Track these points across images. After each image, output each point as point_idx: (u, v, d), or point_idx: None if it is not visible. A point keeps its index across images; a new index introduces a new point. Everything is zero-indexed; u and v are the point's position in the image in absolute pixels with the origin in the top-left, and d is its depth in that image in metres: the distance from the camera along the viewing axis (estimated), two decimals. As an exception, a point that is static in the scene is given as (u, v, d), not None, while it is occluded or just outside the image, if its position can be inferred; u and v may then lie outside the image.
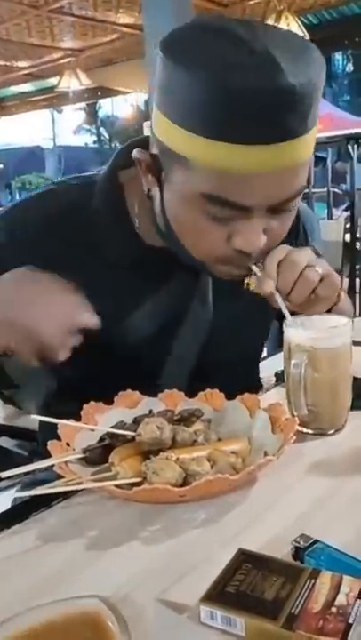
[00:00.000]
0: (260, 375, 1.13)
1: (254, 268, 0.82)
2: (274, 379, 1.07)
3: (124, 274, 0.87)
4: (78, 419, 0.79)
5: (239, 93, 0.67)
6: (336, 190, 5.91)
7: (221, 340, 0.94)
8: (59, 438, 0.75)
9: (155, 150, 0.79)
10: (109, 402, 0.83)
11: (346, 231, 4.23)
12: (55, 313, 0.74)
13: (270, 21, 4.64)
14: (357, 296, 4.39)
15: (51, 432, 0.76)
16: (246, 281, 0.95)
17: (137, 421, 0.76)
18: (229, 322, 0.95)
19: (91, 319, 0.74)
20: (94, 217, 0.88)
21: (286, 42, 0.72)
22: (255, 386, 1.05)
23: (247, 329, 0.99)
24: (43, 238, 0.86)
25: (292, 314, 0.84)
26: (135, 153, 0.81)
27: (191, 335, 0.91)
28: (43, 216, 0.89)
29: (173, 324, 0.90)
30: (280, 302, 0.82)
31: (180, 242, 0.82)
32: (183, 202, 0.77)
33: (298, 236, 1.06)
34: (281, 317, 1.11)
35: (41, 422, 1.05)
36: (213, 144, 0.70)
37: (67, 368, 0.77)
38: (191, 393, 0.86)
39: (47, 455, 0.73)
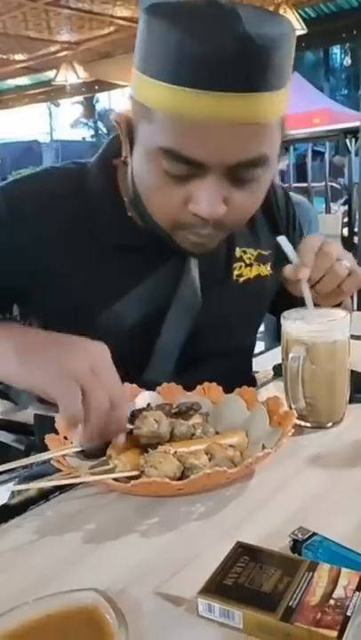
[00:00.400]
0: (258, 369, 1.13)
1: (291, 254, 0.83)
2: (271, 372, 1.07)
3: (117, 256, 0.87)
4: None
5: (195, 37, 0.68)
6: (334, 184, 5.92)
7: (210, 330, 0.94)
8: (55, 432, 0.74)
9: (130, 113, 0.80)
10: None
11: (344, 225, 4.24)
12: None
13: (268, 14, 4.62)
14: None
15: (46, 426, 0.76)
16: (237, 272, 0.95)
17: (134, 414, 0.76)
18: (219, 313, 0.95)
19: (121, 440, 0.72)
20: (88, 200, 0.89)
21: (259, 10, 0.74)
22: (246, 380, 1.04)
23: (237, 321, 0.99)
24: (41, 214, 0.87)
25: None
26: (113, 115, 0.82)
27: (179, 320, 0.90)
28: (42, 192, 0.89)
29: (162, 308, 0.90)
30: (306, 291, 0.82)
31: (147, 208, 0.82)
32: (146, 160, 0.78)
33: (287, 213, 1.06)
34: (275, 311, 1.11)
35: (36, 417, 1.05)
36: (171, 89, 0.70)
37: None
38: (178, 383, 0.87)
39: (44, 449, 0.73)
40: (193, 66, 0.69)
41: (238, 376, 0.91)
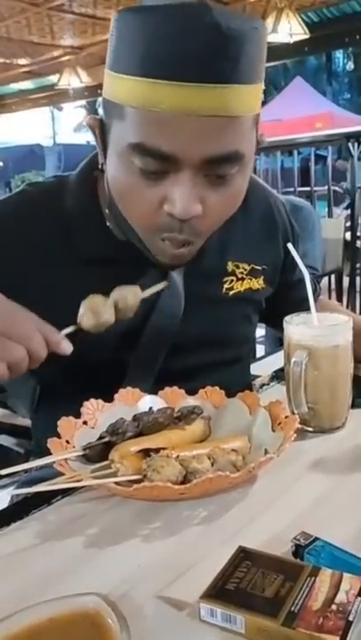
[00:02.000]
0: (259, 373, 1.13)
1: (300, 262, 0.84)
2: (270, 377, 1.06)
3: (96, 270, 0.86)
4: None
5: (162, 28, 0.69)
6: (337, 189, 5.92)
7: (198, 343, 0.94)
8: (52, 436, 0.74)
9: (102, 116, 0.81)
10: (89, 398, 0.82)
11: (346, 229, 4.24)
12: (34, 350, 0.69)
13: (271, 19, 4.63)
14: (358, 295, 4.40)
15: (45, 430, 0.76)
16: (227, 286, 0.95)
17: (136, 419, 0.76)
18: (207, 326, 0.94)
19: (67, 346, 0.72)
20: (67, 215, 0.88)
21: (231, 10, 0.74)
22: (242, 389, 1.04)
23: (226, 333, 0.98)
24: (16, 239, 0.88)
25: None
26: (87, 119, 0.82)
27: (159, 331, 0.89)
28: (15, 213, 0.90)
29: (142, 317, 0.88)
30: (310, 294, 0.84)
31: (123, 213, 0.82)
32: (118, 161, 0.77)
33: (285, 228, 1.05)
34: (267, 319, 1.11)
35: (34, 421, 1.05)
36: (140, 82, 0.70)
37: (46, 368, 0.75)
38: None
39: (42, 453, 0.73)
40: (160, 57, 0.69)
41: (233, 386, 0.91)
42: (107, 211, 0.88)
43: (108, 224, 0.89)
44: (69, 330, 0.74)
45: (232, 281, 0.96)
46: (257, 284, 0.99)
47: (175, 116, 0.70)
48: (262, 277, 0.99)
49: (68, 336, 0.73)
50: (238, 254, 0.97)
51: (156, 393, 0.86)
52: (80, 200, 0.90)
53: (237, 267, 0.96)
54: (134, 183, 0.76)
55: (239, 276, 0.96)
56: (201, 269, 0.92)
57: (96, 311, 0.75)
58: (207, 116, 0.70)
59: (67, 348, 0.71)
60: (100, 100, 0.83)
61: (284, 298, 1.05)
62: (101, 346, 0.83)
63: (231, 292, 0.96)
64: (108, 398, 0.82)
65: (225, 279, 0.95)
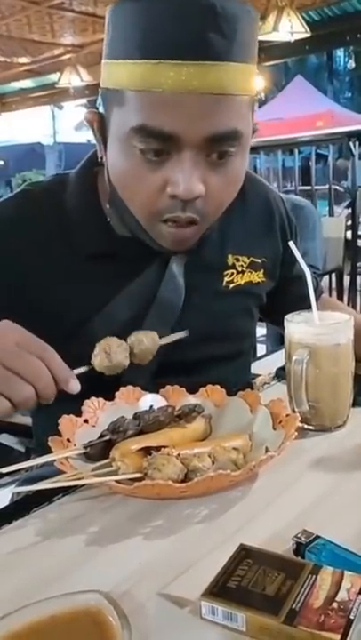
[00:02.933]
0: (261, 372, 1.13)
1: (300, 259, 0.85)
2: (271, 375, 1.06)
3: (97, 265, 0.88)
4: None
5: (158, 10, 0.71)
6: (338, 187, 5.91)
7: (199, 336, 0.93)
8: (53, 435, 0.74)
9: (100, 109, 0.82)
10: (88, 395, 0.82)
11: (347, 228, 4.23)
12: (42, 387, 0.70)
13: (272, 17, 4.62)
14: (358, 294, 4.39)
15: (45, 429, 0.76)
16: (227, 279, 0.96)
17: (137, 417, 0.76)
18: (207, 319, 0.95)
19: (75, 386, 0.72)
20: (68, 211, 0.90)
21: None
22: (242, 385, 1.04)
23: (227, 327, 0.99)
24: (17, 235, 0.89)
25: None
26: (85, 114, 0.83)
27: (159, 322, 0.90)
28: (16, 214, 0.91)
29: (144, 310, 0.90)
30: (311, 293, 0.84)
31: (126, 203, 0.82)
32: (120, 148, 0.79)
33: (283, 222, 1.06)
34: (267, 315, 1.11)
35: (35, 419, 1.05)
36: (139, 65, 0.72)
37: None
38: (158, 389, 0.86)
39: (43, 452, 0.73)
40: (158, 38, 0.71)
41: (233, 382, 0.91)
42: (107, 206, 0.89)
43: (108, 220, 0.89)
44: (82, 370, 0.76)
45: (232, 274, 0.97)
46: (257, 277, 1.00)
47: (176, 96, 0.72)
48: (262, 271, 1.00)
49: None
50: (238, 247, 0.98)
51: (154, 387, 0.86)
52: (80, 197, 0.91)
53: (237, 260, 0.97)
54: (136, 169, 0.78)
55: (239, 269, 0.97)
56: (201, 262, 0.93)
57: (110, 352, 0.76)
58: (207, 95, 0.72)
59: (75, 387, 0.72)
60: (100, 99, 0.83)
61: (284, 293, 1.06)
62: (97, 335, 0.84)
63: (231, 285, 0.97)
64: (108, 394, 0.82)
65: (225, 272, 0.96)
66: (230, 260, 0.97)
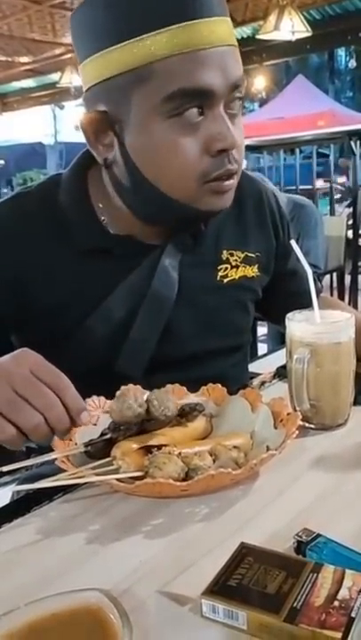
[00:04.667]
0: (262, 371, 1.13)
1: (302, 257, 0.86)
2: (272, 374, 1.06)
3: (92, 260, 0.89)
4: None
5: None
6: (339, 186, 5.91)
7: (195, 330, 0.95)
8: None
9: (101, 107, 0.82)
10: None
11: (348, 227, 4.23)
12: (54, 417, 0.69)
13: (273, 16, 4.62)
14: (359, 293, 4.39)
15: None
16: (221, 273, 0.97)
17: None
18: (202, 313, 0.96)
19: (84, 419, 0.71)
20: (61, 209, 0.91)
21: None
22: (240, 380, 1.04)
23: (222, 321, 0.99)
24: (13, 237, 0.90)
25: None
26: (81, 118, 0.85)
27: (152, 314, 0.91)
28: (11, 218, 0.92)
29: (138, 305, 0.90)
30: (312, 291, 0.84)
31: (157, 187, 0.83)
32: (151, 128, 0.80)
33: (274, 216, 1.07)
34: (265, 312, 1.13)
35: None
36: (162, 34, 0.76)
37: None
38: (167, 383, 0.85)
39: (43, 450, 0.73)
40: (173, 4, 0.76)
41: (231, 377, 0.92)
42: (100, 205, 0.91)
43: (102, 219, 0.91)
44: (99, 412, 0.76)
45: (226, 269, 0.98)
46: (251, 271, 1.01)
47: (204, 52, 0.77)
48: (257, 265, 1.02)
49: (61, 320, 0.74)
50: (232, 242, 0.99)
51: (148, 382, 0.86)
52: (72, 196, 0.92)
53: (232, 255, 0.99)
54: (172, 139, 0.79)
55: (233, 263, 0.99)
56: (196, 258, 0.94)
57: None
58: (222, 46, 0.78)
59: (85, 420, 0.71)
60: (96, 97, 0.83)
61: (279, 289, 1.08)
62: (94, 330, 0.86)
63: (226, 280, 0.98)
64: (109, 393, 0.82)
65: (220, 267, 0.97)
66: (225, 254, 0.98)
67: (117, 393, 0.74)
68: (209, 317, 0.96)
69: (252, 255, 1.01)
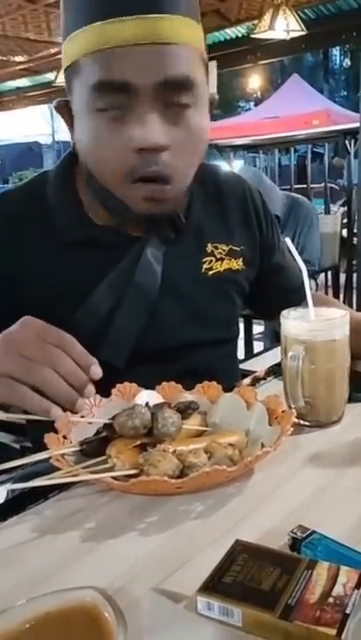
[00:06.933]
0: (257, 369, 1.13)
1: (296, 254, 0.87)
2: (266, 372, 1.06)
3: (79, 252, 0.91)
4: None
5: None
6: (333, 186, 5.92)
7: (180, 323, 0.96)
8: (48, 431, 0.74)
9: (67, 96, 0.88)
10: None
11: (343, 226, 4.24)
12: (68, 371, 0.73)
13: (268, 15, 4.62)
14: (354, 291, 4.40)
15: (40, 426, 0.76)
16: (206, 266, 0.98)
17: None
18: (187, 305, 0.97)
19: (96, 372, 0.75)
20: (49, 203, 0.94)
21: None
22: (230, 372, 1.05)
23: (208, 314, 1.00)
24: (3, 234, 0.93)
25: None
26: (54, 105, 0.89)
27: (136, 304, 0.92)
28: (1, 213, 0.95)
29: (122, 295, 0.91)
30: (307, 289, 0.86)
31: (97, 179, 0.86)
32: (84, 118, 0.83)
33: (258, 211, 1.08)
34: (255, 308, 1.15)
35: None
36: (87, 31, 0.79)
37: None
38: (155, 375, 0.86)
39: (37, 449, 0.73)
40: (96, 3, 0.79)
41: (218, 370, 0.93)
42: (86, 198, 0.93)
43: (88, 212, 0.93)
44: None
45: (211, 261, 0.99)
46: (236, 264, 1.02)
47: (124, 48, 0.78)
48: (241, 258, 1.03)
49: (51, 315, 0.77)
50: (217, 236, 1.01)
51: (132, 374, 0.86)
52: (59, 189, 0.95)
53: (216, 247, 1.00)
54: (101, 132, 0.82)
55: (218, 256, 1.00)
56: (181, 250, 0.96)
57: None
58: (151, 44, 0.78)
59: (97, 372, 0.74)
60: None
61: (267, 284, 1.10)
62: (81, 321, 0.87)
63: (211, 272, 0.99)
64: (104, 390, 0.82)
65: (205, 259, 0.99)
66: (209, 247, 1.00)
67: (124, 410, 0.74)
68: (194, 309, 0.97)
69: (237, 248, 1.02)
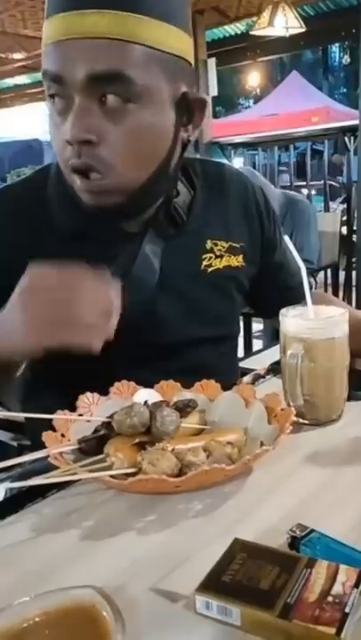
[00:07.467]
0: (256, 367, 1.13)
1: (295, 252, 0.86)
2: (266, 370, 1.06)
3: (75, 244, 0.91)
4: (56, 408, 0.78)
5: None
6: (333, 183, 5.92)
7: (179, 319, 0.95)
8: (47, 430, 0.74)
9: None
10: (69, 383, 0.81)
11: (342, 224, 4.24)
12: (93, 299, 0.75)
13: (267, 12, 4.62)
14: (354, 289, 4.39)
15: (38, 424, 0.76)
16: (205, 263, 0.98)
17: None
18: (187, 302, 0.96)
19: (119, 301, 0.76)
20: (49, 199, 0.94)
21: None
22: (229, 369, 1.05)
23: (208, 310, 1.00)
24: (3, 227, 0.94)
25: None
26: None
27: (133, 299, 0.91)
28: (2, 206, 0.96)
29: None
30: (306, 288, 0.85)
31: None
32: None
33: (260, 208, 1.08)
34: (255, 306, 1.15)
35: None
36: (46, 24, 0.83)
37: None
38: (156, 372, 0.86)
39: (36, 447, 0.73)
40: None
41: (217, 367, 0.92)
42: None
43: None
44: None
45: (210, 258, 0.99)
46: (236, 261, 1.02)
47: (61, 42, 0.80)
48: (241, 255, 1.02)
49: None
50: (217, 232, 1.00)
51: (130, 372, 0.86)
52: (57, 184, 0.94)
53: (216, 244, 1.00)
54: (53, 125, 0.85)
55: (218, 253, 1.00)
56: (180, 246, 0.95)
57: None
58: (85, 38, 0.79)
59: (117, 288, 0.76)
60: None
61: (268, 282, 1.09)
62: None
63: (210, 269, 0.99)
64: (102, 389, 0.82)
65: (204, 256, 0.98)
66: (209, 244, 0.99)
67: (122, 408, 0.73)
68: (193, 306, 0.97)
69: (237, 245, 1.02)
